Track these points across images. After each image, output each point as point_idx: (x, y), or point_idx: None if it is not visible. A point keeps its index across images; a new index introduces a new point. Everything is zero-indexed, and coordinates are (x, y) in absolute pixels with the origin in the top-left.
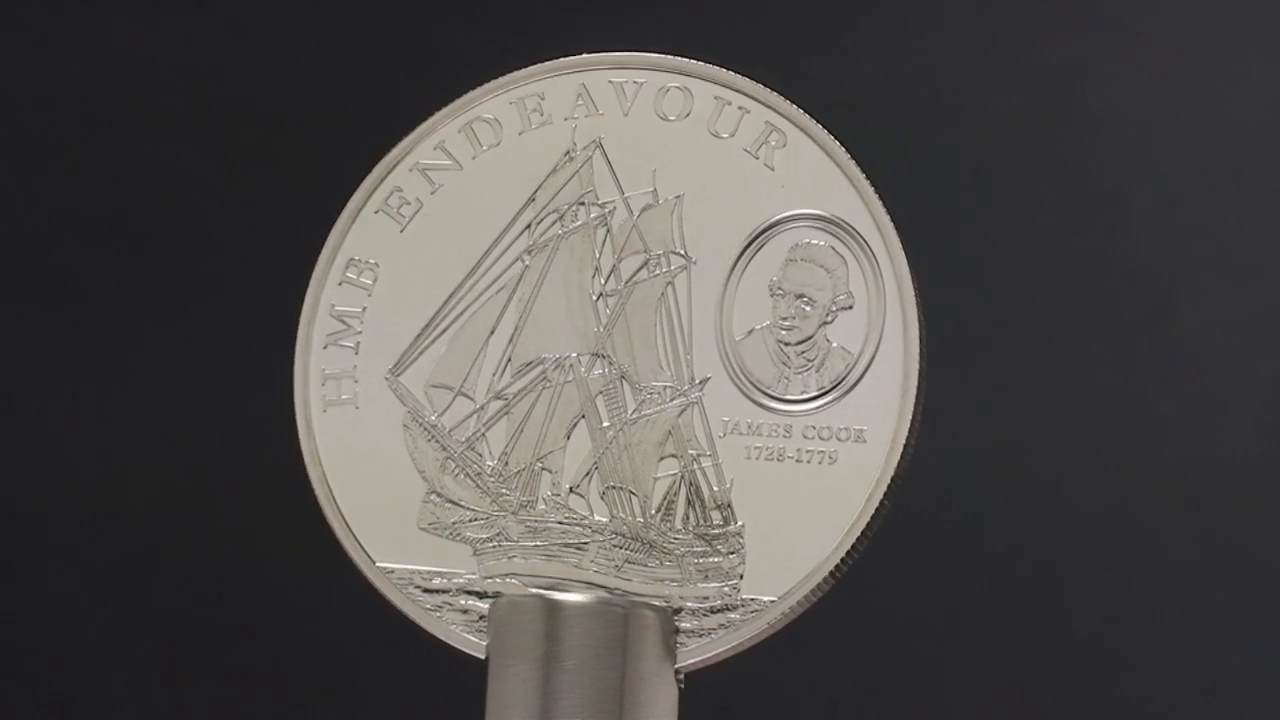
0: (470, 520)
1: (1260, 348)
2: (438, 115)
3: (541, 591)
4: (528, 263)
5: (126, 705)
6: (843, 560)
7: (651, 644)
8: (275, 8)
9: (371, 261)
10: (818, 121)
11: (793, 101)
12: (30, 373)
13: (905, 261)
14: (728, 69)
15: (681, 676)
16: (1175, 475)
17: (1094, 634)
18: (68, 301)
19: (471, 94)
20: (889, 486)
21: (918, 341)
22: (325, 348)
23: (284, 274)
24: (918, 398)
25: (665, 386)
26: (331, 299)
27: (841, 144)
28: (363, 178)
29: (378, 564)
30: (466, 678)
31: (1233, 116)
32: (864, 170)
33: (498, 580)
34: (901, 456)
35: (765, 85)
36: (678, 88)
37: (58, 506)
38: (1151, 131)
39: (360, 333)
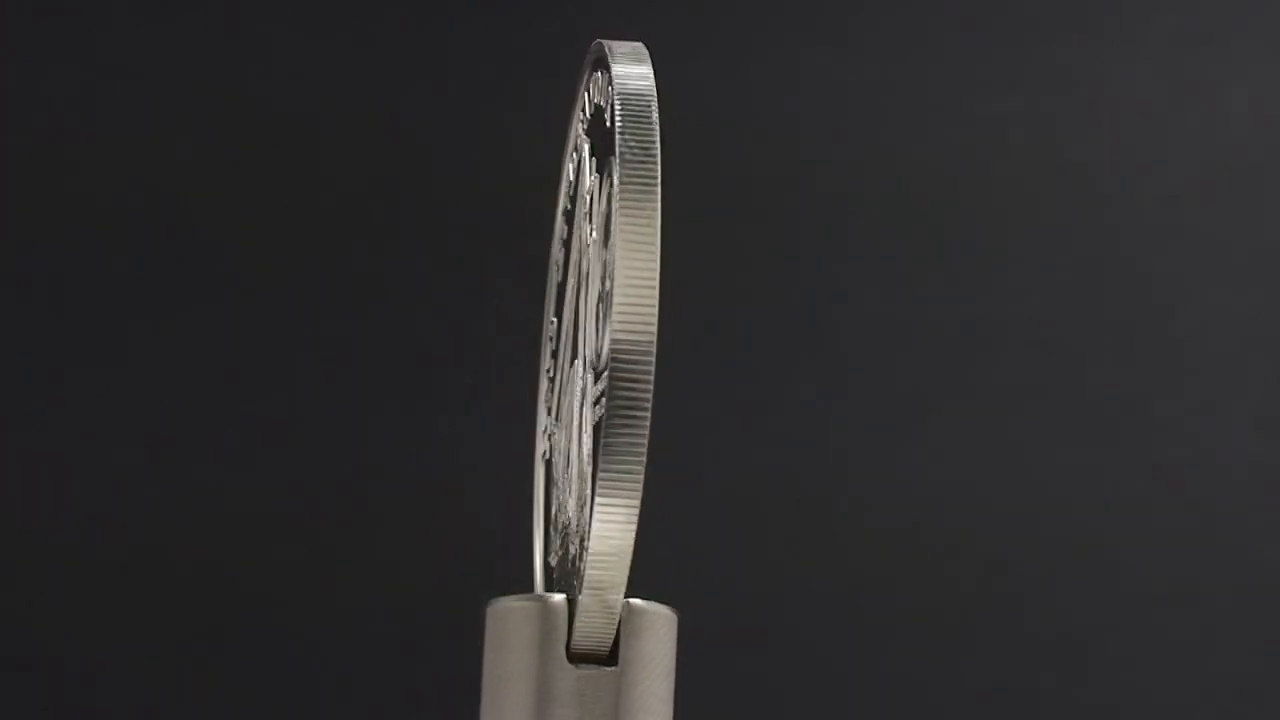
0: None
1: (1260, 348)
2: (565, 156)
3: (532, 594)
4: (570, 281)
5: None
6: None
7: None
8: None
9: (552, 320)
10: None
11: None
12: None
13: (616, 186)
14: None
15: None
16: (1175, 475)
17: (1093, 632)
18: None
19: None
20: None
21: (611, 265)
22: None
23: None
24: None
25: (586, 369)
26: (545, 364)
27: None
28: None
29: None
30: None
31: (1233, 116)
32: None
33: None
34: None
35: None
36: (605, 68)
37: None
38: (1151, 131)
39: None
